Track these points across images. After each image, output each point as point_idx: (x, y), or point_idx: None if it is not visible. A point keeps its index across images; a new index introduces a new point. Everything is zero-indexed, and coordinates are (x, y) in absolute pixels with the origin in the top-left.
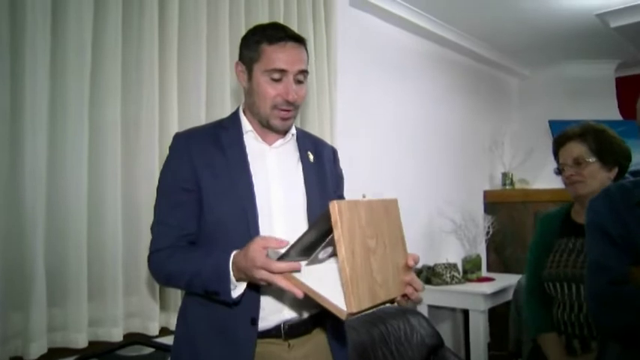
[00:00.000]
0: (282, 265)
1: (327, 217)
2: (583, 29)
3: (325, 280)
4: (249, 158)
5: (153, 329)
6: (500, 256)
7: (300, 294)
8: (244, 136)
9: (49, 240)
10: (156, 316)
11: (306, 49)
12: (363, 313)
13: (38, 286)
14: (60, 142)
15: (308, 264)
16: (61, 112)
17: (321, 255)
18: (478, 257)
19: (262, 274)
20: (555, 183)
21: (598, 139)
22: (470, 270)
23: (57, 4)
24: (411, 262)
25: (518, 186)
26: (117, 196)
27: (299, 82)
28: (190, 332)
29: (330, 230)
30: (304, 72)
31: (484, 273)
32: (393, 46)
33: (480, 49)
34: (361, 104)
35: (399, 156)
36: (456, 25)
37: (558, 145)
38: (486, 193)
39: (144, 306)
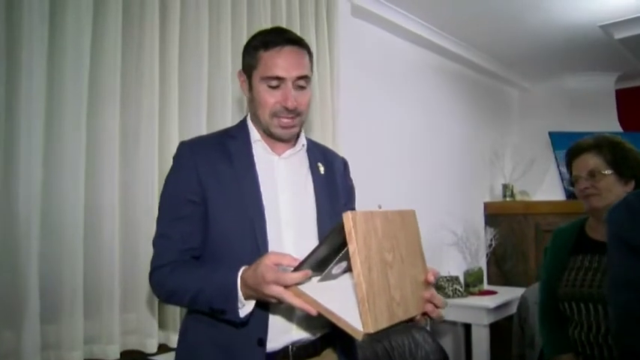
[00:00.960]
0: (295, 276)
1: (340, 229)
2: (585, 41)
3: (339, 298)
4: (257, 169)
5: (151, 346)
6: (501, 269)
7: (313, 312)
8: (253, 146)
9: (44, 254)
10: (154, 332)
11: (308, 53)
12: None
13: (31, 302)
14: (56, 152)
15: (321, 280)
16: (57, 121)
17: (335, 270)
18: (480, 270)
19: (273, 290)
20: (556, 195)
21: (614, 151)
22: (472, 283)
23: (54, 8)
24: (430, 278)
25: (518, 198)
26: (114, 208)
27: (300, 87)
28: (192, 353)
29: (344, 243)
30: (304, 77)
31: (485, 286)
32: (394, 57)
33: (481, 60)
34: (361, 115)
35: (400, 166)
36: (458, 37)
37: (572, 156)
38: (487, 205)
39: (142, 322)
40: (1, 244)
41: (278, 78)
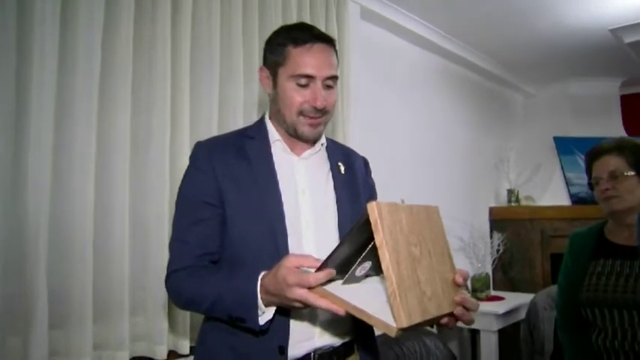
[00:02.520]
0: (319, 275)
1: (363, 223)
2: (593, 45)
3: (366, 298)
4: (277, 170)
5: (160, 353)
6: (507, 275)
7: (342, 312)
8: (271, 146)
9: (52, 257)
10: (164, 338)
11: (335, 51)
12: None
13: (39, 308)
14: (65, 155)
15: (344, 283)
16: (67, 123)
17: (358, 272)
18: (487, 275)
19: (296, 293)
20: (561, 200)
21: (636, 153)
22: (479, 289)
23: (66, 9)
24: (459, 280)
25: (523, 203)
26: (124, 212)
27: (328, 87)
28: None
29: (367, 241)
30: (334, 77)
31: (491, 292)
32: (401, 60)
33: (487, 64)
34: (366, 118)
35: (404, 171)
36: (464, 41)
37: (592, 158)
38: (492, 210)
39: (151, 328)
40: (10, 248)
41: (308, 76)
